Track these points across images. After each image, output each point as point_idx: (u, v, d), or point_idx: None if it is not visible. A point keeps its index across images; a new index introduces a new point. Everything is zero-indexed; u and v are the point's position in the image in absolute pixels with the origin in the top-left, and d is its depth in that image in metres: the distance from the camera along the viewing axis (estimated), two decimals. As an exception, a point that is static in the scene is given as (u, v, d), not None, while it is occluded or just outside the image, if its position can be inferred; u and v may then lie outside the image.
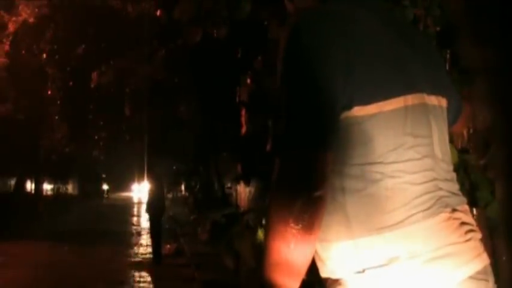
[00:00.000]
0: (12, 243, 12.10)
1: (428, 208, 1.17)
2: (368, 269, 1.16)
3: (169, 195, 28.66)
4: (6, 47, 11.30)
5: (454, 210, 1.21)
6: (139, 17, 8.27)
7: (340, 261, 1.20)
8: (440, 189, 1.21)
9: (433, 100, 1.26)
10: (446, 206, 1.20)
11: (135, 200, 44.93)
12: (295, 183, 1.11)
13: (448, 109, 1.35)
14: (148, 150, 12.87)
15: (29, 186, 36.03)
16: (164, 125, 11.24)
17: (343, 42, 1.17)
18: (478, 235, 1.26)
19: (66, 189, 48.04)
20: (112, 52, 9.70)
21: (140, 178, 44.29)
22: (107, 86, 9.22)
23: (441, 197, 1.20)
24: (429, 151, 1.22)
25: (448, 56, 2.07)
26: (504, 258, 2.17)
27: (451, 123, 1.44)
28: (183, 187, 22.51)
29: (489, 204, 2.13)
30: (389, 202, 1.15)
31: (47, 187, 43.73)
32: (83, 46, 10.36)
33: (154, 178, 10.29)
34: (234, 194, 12.67)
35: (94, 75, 9.34)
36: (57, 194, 42.11)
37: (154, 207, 9.96)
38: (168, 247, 10.73)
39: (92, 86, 9.42)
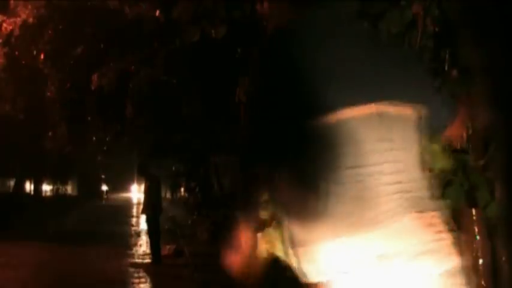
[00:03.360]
0: (12, 244, 12.10)
1: (400, 207, 1.24)
2: (351, 268, 1.21)
3: (168, 196, 28.64)
4: (5, 48, 11.29)
5: (423, 211, 1.27)
6: (138, 18, 8.25)
7: (325, 263, 1.25)
8: (409, 191, 1.28)
9: (403, 108, 1.32)
10: (415, 206, 1.27)
11: (134, 200, 44.90)
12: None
13: (430, 116, 1.41)
14: (147, 150, 12.85)
15: (28, 186, 36.03)
16: (164, 125, 11.24)
17: (319, 52, 1.26)
18: (449, 237, 1.32)
19: (66, 189, 48.01)
20: (112, 53, 9.68)
21: (139, 179, 44.22)
22: (107, 88, 9.18)
23: (411, 198, 1.27)
24: (399, 155, 1.29)
25: (447, 56, 2.06)
26: (503, 258, 2.17)
27: (440, 128, 1.50)
28: (182, 188, 22.50)
29: (488, 205, 2.13)
30: (367, 202, 1.22)
31: (46, 188, 43.72)
32: (82, 47, 10.32)
33: (150, 179, 10.27)
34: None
35: (94, 77, 9.30)
36: (56, 195, 42.09)
37: (152, 207, 9.95)
38: (167, 248, 10.72)
39: (93, 88, 9.38)
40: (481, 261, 2.11)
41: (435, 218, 1.30)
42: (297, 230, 1.27)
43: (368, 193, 1.22)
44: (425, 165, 1.42)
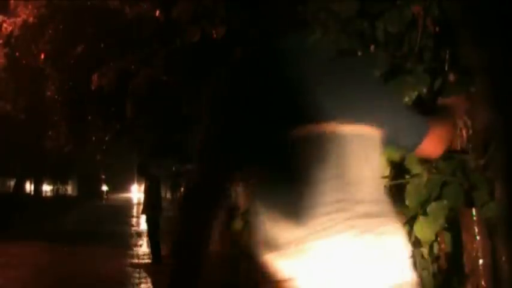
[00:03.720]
0: (12, 244, 12.11)
1: (336, 225, 1.27)
2: (301, 275, 1.27)
3: (169, 196, 28.64)
4: (5, 48, 11.30)
5: (379, 225, 1.31)
6: (138, 18, 8.25)
7: (288, 265, 1.30)
8: (351, 210, 1.30)
9: (355, 128, 1.36)
10: (371, 221, 1.30)
11: (135, 200, 44.91)
12: None
13: (401, 135, 1.47)
14: (147, 150, 12.86)
15: (28, 186, 36.06)
16: (164, 125, 11.25)
17: (298, 68, 1.36)
18: (405, 250, 1.35)
19: (66, 189, 48.03)
20: (112, 53, 9.67)
21: (139, 179, 44.26)
22: (107, 88, 9.18)
23: (352, 216, 1.29)
24: (342, 173, 1.32)
25: (447, 56, 2.06)
26: (503, 258, 2.17)
27: (410, 148, 1.55)
28: (182, 188, 22.49)
29: (485, 205, 2.13)
30: (301, 219, 1.27)
31: (47, 188, 43.74)
32: (82, 47, 10.32)
33: (150, 179, 10.26)
34: (233, 194, 12.65)
35: (94, 76, 9.30)
36: (56, 195, 42.11)
37: (152, 207, 9.94)
38: (167, 248, 10.72)
39: (93, 88, 9.38)
40: (481, 261, 2.11)
41: (392, 232, 1.34)
42: (264, 233, 1.35)
43: (300, 210, 1.27)
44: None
